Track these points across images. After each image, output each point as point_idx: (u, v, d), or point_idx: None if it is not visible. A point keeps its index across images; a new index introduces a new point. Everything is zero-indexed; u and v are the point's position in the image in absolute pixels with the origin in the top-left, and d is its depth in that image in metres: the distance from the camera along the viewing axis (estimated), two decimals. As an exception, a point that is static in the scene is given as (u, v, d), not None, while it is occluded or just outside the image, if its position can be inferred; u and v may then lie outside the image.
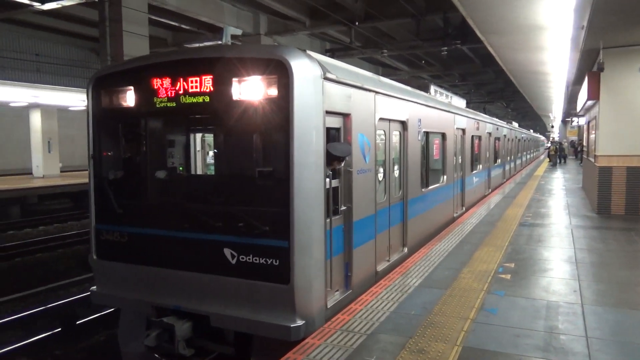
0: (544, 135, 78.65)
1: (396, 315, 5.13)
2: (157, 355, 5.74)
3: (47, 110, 23.44)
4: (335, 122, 5.49)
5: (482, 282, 6.25)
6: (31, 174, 24.18)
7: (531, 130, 54.93)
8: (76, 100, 21.67)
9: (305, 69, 4.83)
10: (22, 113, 24.23)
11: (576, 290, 5.93)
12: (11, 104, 21.92)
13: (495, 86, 36.02)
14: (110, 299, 6.10)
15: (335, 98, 5.34)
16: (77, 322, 7.96)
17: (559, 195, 16.22)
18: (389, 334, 4.62)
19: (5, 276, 11.34)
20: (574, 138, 43.41)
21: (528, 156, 39.85)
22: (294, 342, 4.64)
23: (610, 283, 6.28)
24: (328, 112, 5.15)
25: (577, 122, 29.10)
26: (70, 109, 24.25)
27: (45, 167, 23.79)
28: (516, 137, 27.75)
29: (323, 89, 5.01)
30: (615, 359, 4.12)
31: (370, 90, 6.27)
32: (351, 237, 5.76)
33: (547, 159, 37.48)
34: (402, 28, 19.64)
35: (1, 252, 13.15)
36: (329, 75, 5.10)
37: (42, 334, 7.68)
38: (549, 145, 50.43)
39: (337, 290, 5.57)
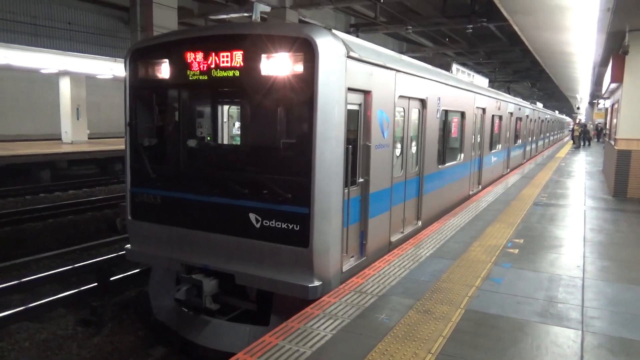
0: (570, 116, 77.06)
1: (406, 280, 5.53)
2: (185, 309, 6.28)
3: (76, 78, 24.04)
4: (356, 98, 5.80)
5: (490, 255, 6.59)
6: (60, 139, 24.99)
7: (556, 112, 53.93)
8: (104, 68, 22.19)
9: (330, 47, 5.13)
10: (52, 80, 24.92)
11: (579, 266, 6.24)
12: (42, 71, 22.56)
13: (522, 65, 35.40)
14: (144, 256, 6.62)
15: (357, 75, 5.64)
16: (111, 279, 8.55)
17: (578, 177, 16.28)
18: (398, 296, 5.03)
19: (40, 236, 12.07)
20: (601, 120, 42.64)
21: (551, 138, 39.36)
22: (311, 301, 5.07)
23: (614, 261, 6.56)
24: (350, 89, 5.46)
25: (604, 104, 28.66)
26: (97, 77, 24.83)
27: (73, 133, 24.53)
28: (539, 118, 27.49)
29: (346, 67, 5.31)
30: (607, 325, 4.47)
31: (391, 69, 6.53)
32: (367, 208, 6.14)
33: (571, 141, 37.03)
34: (428, 4, 19.51)
35: (35, 213, 13.90)
36: (352, 53, 5.39)
37: (78, 288, 8.30)
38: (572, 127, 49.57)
39: (352, 256, 5.98)
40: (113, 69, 21.93)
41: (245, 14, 18.66)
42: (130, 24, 14.60)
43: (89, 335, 6.91)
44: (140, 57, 6.37)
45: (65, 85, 24.12)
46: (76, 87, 24.27)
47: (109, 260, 9.83)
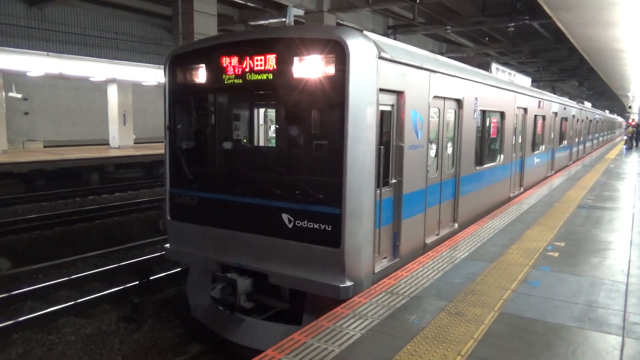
0: (623, 116, 73.65)
1: (440, 282, 5.46)
2: (221, 307, 6.43)
3: (122, 85, 25.02)
4: (388, 99, 5.79)
5: (528, 258, 6.41)
6: (108, 144, 26.05)
7: (606, 111, 51.70)
8: (149, 75, 23.01)
9: (361, 48, 5.15)
10: (101, 87, 26.04)
11: (624, 270, 5.97)
12: (91, 79, 23.63)
13: (569, 64, 34.14)
14: (182, 255, 6.83)
15: (389, 76, 5.63)
16: (152, 278, 8.85)
17: (628, 179, 15.55)
18: (430, 298, 4.98)
19: (88, 236, 12.62)
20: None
21: (601, 138, 37.76)
22: (342, 301, 5.09)
23: (663, 265, 6.25)
24: (382, 90, 5.46)
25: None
26: (143, 84, 25.76)
27: (120, 138, 25.52)
28: (587, 118, 26.44)
29: (377, 68, 5.32)
30: (650, 333, 4.26)
31: (424, 69, 6.47)
32: (400, 209, 6.10)
33: (623, 142, 35.41)
34: (468, 3, 19.18)
35: (84, 214, 14.55)
36: (383, 54, 5.39)
37: (121, 286, 8.64)
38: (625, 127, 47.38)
39: (385, 257, 5.96)
40: (157, 76, 22.71)
41: (284, 19, 18.90)
42: (172, 31, 15.11)
43: (130, 331, 7.18)
44: (179, 62, 6.59)
45: (112, 92, 25.14)
46: (123, 94, 25.25)
47: (150, 259, 10.16)
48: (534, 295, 5.08)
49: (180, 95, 6.71)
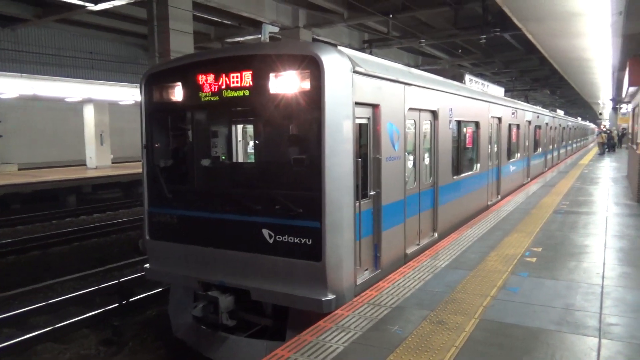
0: (595, 123, 75.62)
1: (421, 292, 5.50)
2: (203, 326, 6.36)
3: (99, 105, 24.80)
4: (364, 112, 5.87)
5: (507, 265, 6.51)
6: (85, 165, 25.68)
7: (579, 118, 53.05)
8: (126, 94, 22.87)
9: (336, 63, 5.23)
10: (76, 107, 25.74)
11: (599, 273, 6.11)
12: (66, 100, 23.36)
13: (540, 73, 35.06)
14: (162, 275, 6.75)
15: (364, 90, 5.72)
16: (132, 299, 8.70)
17: (601, 184, 15.95)
18: (412, 308, 5.01)
19: (66, 259, 12.37)
20: (625, 125, 41.72)
21: (574, 145, 38.68)
22: (325, 314, 5.09)
23: (635, 267, 6.40)
24: (357, 103, 5.53)
25: (627, 109, 28.08)
26: (120, 103, 25.57)
27: (98, 158, 25.21)
28: (560, 125, 27.09)
29: (352, 82, 5.40)
30: (626, 332, 4.36)
31: (399, 82, 6.59)
32: (380, 220, 6.15)
33: (597, 147, 36.35)
34: (440, 17, 19.61)
35: (61, 237, 14.27)
36: (358, 68, 5.48)
37: (101, 309, 8.47)
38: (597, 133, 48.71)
39: (366, 269, 5.99)
40: (134, 94, 22.58)
41: (260, 36, 19.04)
42: (148, 50, 15.08)
43: (110, 354, 7.04)
44: (154, 81, 6.59)
45: (88, 112, 24.88)
46: (99, 114, 25.01)
47: (130, 280, 10.00)
48: (513, 301, 5.15)
49: (157, 114, 6.70)
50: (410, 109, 6.99)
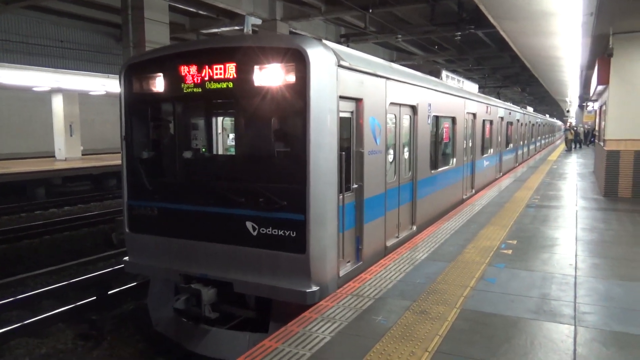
0: (562, 120, 77.78)
1: (402, 283, 5.62)
2: (185, 319, 6.33)
3: (68, 95, 24.12)
4: (348, 106, 5.92)
5: (484, 257, 6.70)
6: (54, 156, 25.00)
7: (547, 115, 54.51)
8: (96, 85, 22.30)
9: (321, 57, 5.26)
10: (45, 97, 24.98)
11: (572, 264, 6.35)
12: (34, 89, 22.62)
13: (511, 71, 35.78)
14: (142, 268, 6.68)
15: (349, 84, 5.77)
16: (110, 292, 8.57)
17: (569, 179, 16.47)
18: (395, 299, 5.12)
19: (37, 252, 12.06)
20: (590, 122, 43.11)
21: (543, 141, 39.76)
22: (309, 306, 5.14)
23: (605, 258, 6.68)
24: (341, 97, 5.58)
25: (593, 107, 29.02)
26: (90, 93, 24.93)
27: (67, 150, 24.55)
28: (530, 122, 27.80)
29: (337, 76, 5.44)
30: (599, 320, 4.57)
31: (381, 77, 6.67)
32: (362, 213, 6.24)
33: (564, 144, 37.47)
34: (417, 13, 19.78)
35: (31, 230, 13.90)
36: (342, 62, 5.53)
37: (76, 303, 8.31)
38: (564, 130, 50.19)
39: (348, 262, 6.07)
40: (106, 85, 22.04)
41: (237, 28, 18.85)
42: (122, 40, 14.72)
43: (88, 349, 6.93)
44: (135, 72, 6.48)
45: (58, 102, 24.18)
46: (69, 104, 24.33)
47: (106, 274, 9.84)
48: (491, 292, 5.32)
49: (137, 105, 6.59)
50: (392, 103, 7.09)
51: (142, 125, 6.72)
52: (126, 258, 6.78)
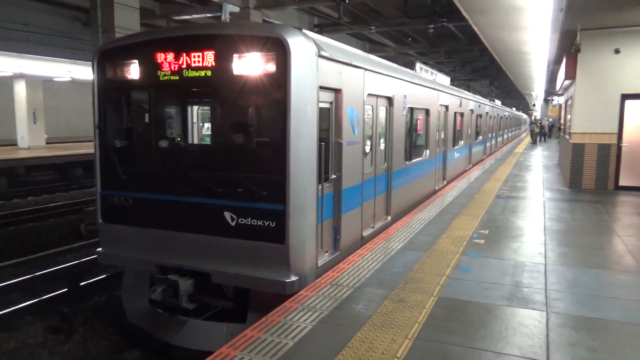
0: (527, 113, 79.80)
1: (380, 272, 5.71)
2: (161, 310, 6.26)
3: (32, 81, 23.26)
4: (327, 96, 5.93)
5: (458, 246, 6.86)
6: (16, 145, 24.11)
7: (514, 109, 55.83)
8: (62, 71, 21.56)
9: (302, 46, 5.24)
10: (6, 82, 24.01)
11: (541, 253, 6.58)
12: (-6, 74, 21.74)
13: (480, 64, 36.42)
14: (116, 259, 6.56)
15: (328, 74, 5.78)
16: (82, 283, 8.39)
17: (536, 171, 16.97)
18: (373, 287, 5.20)
19: (1, 244, 11.66)
20: (555, 116, 44.41)
21: (510, 134, 40.77)
22: (287, 296, 5.17)
23: (572, 247, 6.95)
24: (321, 87, 5.59)
25: (558, 101, 29.91)
26: (55, 79, 24.09)
27: (30, 138, 23.71)
28: (498, 115, 28.44)
29: (317, 66, 5.44)
30: (568, 306, 4.77)
31: (359, 68, 6.70)
32: (340, 204, 6.28)
33: (529, 137, 38.51)
34: (390, 5, 19.88)
35: (-6, 221, 13.42)
36: (322, 53, 5.53)
37: (45, 295, 8.10)
38: (530, 123, 51.53)
39: (326, 251, 6.11)
40: (71, 71, 21.33)
41: (209, 15, 18.52)
42: (91, 25, 14.27)
43: (59, 342, 6.77)
44: (109, 58, 6.31)
45: (20, 88, 23.28)
46: (32, 91, 23.46)
47: (77, 265, 9.61)
48: (466, 280, 5.46)
49: (111, 92, 6.43)
50: (369, 94, 7.14)
51: (116, 113, 6.56)
52: (99, 249, 6.64)
